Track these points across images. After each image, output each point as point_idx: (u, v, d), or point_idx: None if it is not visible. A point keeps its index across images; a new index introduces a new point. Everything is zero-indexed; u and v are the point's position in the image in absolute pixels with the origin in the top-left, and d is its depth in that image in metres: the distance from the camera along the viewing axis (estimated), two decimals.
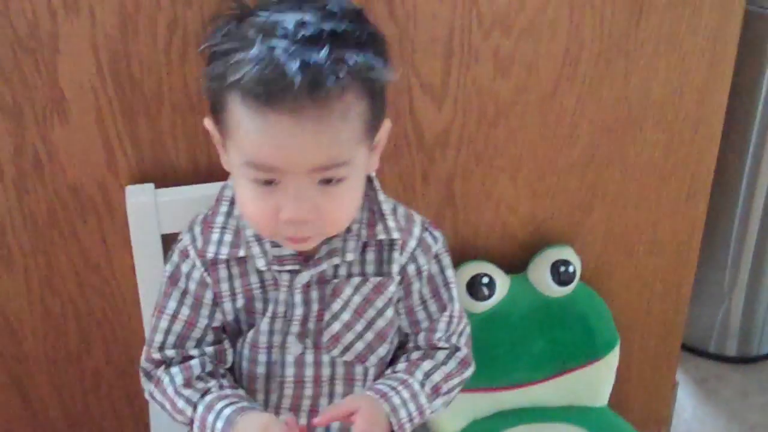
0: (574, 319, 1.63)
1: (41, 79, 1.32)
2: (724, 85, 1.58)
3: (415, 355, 1.28)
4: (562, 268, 1.59)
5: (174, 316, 1.23)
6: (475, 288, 1.55)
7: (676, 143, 1.62)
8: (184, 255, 1.23)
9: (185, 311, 1.23)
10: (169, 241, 1.37)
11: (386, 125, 1.17)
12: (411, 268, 1.24)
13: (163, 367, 1.24)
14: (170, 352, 1.23)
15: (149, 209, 1.38)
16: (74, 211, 1.44)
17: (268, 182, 1.09)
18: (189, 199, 1.38)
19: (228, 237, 1.21)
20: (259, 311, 1.23)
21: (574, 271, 1.60)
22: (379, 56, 1.09)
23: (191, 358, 1.23)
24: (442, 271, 1.27)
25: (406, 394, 1.20)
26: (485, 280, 1.56)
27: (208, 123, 1.17)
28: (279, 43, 1.03)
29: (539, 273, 1.60)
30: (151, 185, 1.40)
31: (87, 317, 1.53)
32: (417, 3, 1.38)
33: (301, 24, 1.04)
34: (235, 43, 1.06)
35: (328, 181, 1.09)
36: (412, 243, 1.24)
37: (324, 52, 1.02)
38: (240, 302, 1.22)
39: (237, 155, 1.10)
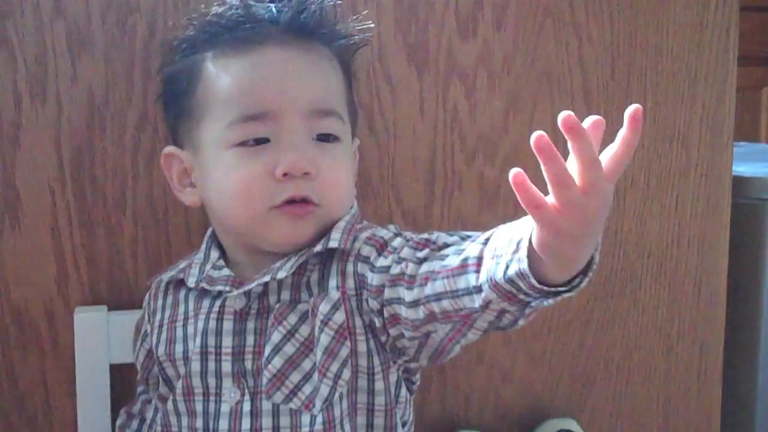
0: None
1: None
2: (723, 238, 1.63)
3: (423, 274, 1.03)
4: None
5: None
6: None
7: (679, 304, 1.64)
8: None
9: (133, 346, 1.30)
10: (117, 374, 1.36)
11: (356, 142, 1.25)
12: (350, 269, 1.14)
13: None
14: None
15: (100, 334, 1.36)
16: (14, 341, 1.39)
17: (260, 141, 1.11)
18: None
19: (182, 265, 1.23)
20: (178, 355, 1.18)
21: None
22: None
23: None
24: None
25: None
26: None
27: (168, 149, 1.23)
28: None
29: None
30: (104, 307, 1.38)
31: None
32: (397, 118, 1.46)
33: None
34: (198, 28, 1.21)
35: (323, 139, 1.13)
36: (356, 245, 1.14)
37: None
38: (164, 335, 1.20)
39: (220, 121, 1.13)
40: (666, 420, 1.67)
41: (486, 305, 0.94)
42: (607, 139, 1.52)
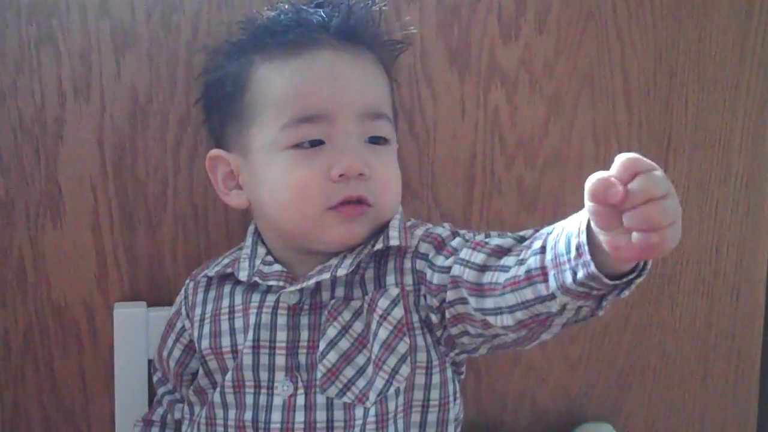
0: None
1: (39, 170, 1.37)
2: (762, 245, 1.63)
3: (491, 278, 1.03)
4: None
5: (157, 352, 1.31)
6: None
7: (717, 311, 1.64)
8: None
9: (161, 343, 1.31)
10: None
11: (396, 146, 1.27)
12: (408, 265, 1.16)
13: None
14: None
15: (139, 330, 1.38)
16: (54, 335, 1.42)
17: (314, 143, 1.14)
18: None
19: (225, 261, 1.25)
20: (225, 348, 1.20)
21: None
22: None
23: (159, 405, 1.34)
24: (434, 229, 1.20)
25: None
26: None
27: (214, 152, 1.25)
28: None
29: None
30: (143, 303, 1.41)
31: None
32: (437, 120, 1.47)
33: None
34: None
35: (375, 142, 1.17)
36: (413, 242, 1.17)
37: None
38: (206, 329, 1.21)
39: (273, 123, 1.15)
40: (702, 426, 1.67)
41: (563, 308, 0.96)
42: (646, 142, 1.53)
